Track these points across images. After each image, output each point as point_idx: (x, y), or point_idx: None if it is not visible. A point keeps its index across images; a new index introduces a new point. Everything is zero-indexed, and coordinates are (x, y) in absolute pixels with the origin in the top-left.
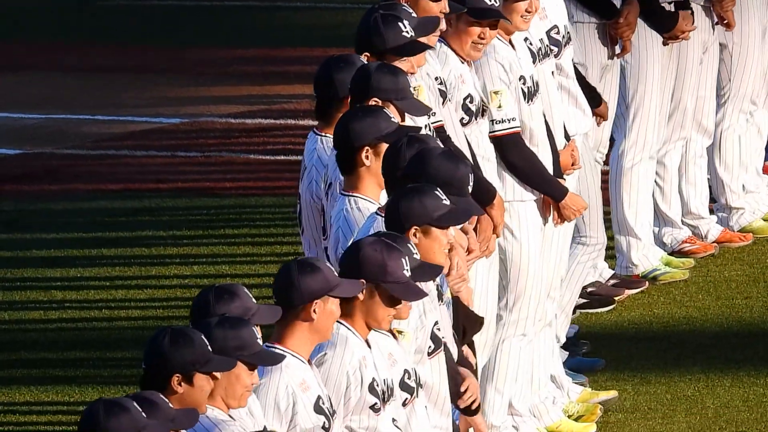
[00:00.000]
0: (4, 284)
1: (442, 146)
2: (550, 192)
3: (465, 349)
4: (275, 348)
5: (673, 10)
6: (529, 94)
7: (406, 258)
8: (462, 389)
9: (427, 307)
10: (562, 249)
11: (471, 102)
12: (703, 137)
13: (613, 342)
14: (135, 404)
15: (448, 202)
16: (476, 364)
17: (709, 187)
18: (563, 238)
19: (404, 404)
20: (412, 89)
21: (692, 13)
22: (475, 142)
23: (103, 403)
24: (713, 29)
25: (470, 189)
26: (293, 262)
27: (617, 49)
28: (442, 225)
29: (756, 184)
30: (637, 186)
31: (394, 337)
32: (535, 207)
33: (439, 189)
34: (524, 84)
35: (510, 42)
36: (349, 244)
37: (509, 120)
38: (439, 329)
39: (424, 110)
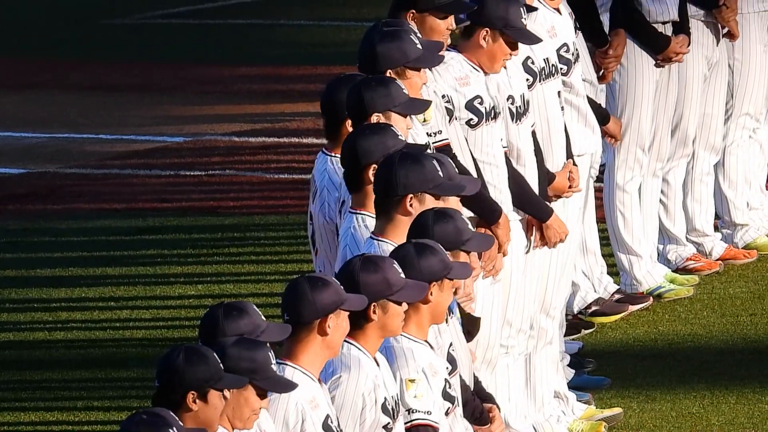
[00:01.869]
0: (8, 304)
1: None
2: (534, 213)
3: (471, 350)
4: (286, 365)
5: (671, 31)
6: (518, 114)
7: (395, 263)
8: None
9: (441, 327)
10: (561, 268)
11: (480, 103)
12: (711, 154)
13: (618, 359)
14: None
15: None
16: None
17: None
18: (563, 258)
19: (447, 413)
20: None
21: (690, 35)
22: (487, 146)
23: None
24: (717, 45)
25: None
26: (303, 278)
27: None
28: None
29: (760, 200)
30: (630, 204)
31: (431, 347)
32: (519, 227)
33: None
34: (512, 104)
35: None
36: (341, 271)
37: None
38: (454, 350)
39: (425, 105)
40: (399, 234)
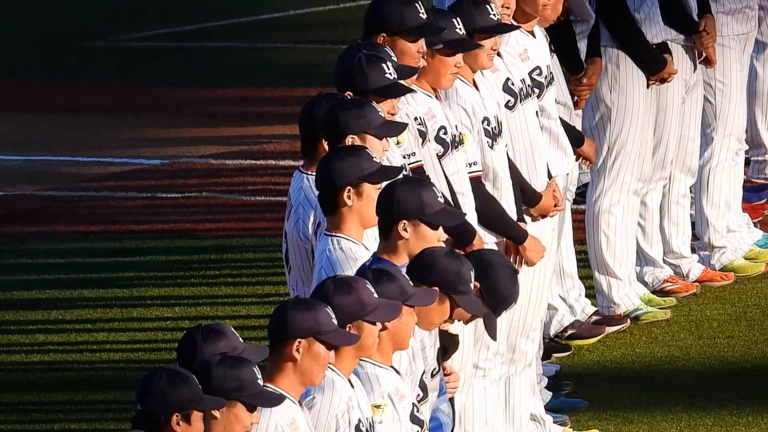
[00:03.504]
0: None
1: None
2: (510, 235)
3: (447, 364)
4: (266, 387)
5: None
6: (493, 136)
7: (368, 283)
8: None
9: (416, 354)
10: (540, 290)
11: (445, 134)
12: (687, 176)
13: (596, 381)
14: None
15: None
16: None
17: (692, 224)
18: (541, 279)
19: None
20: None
21: (671, 54)
22: (453, 174)
23: None
24: (695, 68)
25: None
26: (294, 298)
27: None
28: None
29: (738, 223)
30: (615, 226)
31: (398, 372)
32: (495, 247)
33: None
34: (488, 125)
35: (474, 82)
36: (314, 293)
37: (471, 164)
38: (426, 377)
39: (400, 128)
40: (398, 256)
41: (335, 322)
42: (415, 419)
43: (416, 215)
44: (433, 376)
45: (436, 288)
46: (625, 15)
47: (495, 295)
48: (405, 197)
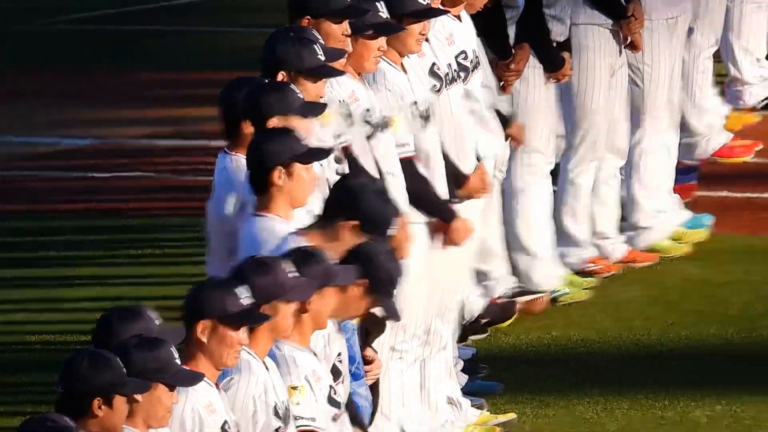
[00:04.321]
0: None
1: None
2: (440, 215)
3: (369, 351)
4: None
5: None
6: (424, 119)
7: (287, 263)
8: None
9: (331, 337)
10: (458, 272)
11: (370, 116)
12: (616, 158)
13: (512, 365)
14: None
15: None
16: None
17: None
18: (460, 261)
19: (334, 419)
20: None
21: (570, 54)
22: (382, 156)
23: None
24: (620, 52)
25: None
26: (207, 279)
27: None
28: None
29: (666, 203)
30: (530, 206)
31: (315, 355)
32: (424, 229)
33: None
34: (417, 109)
35: (402, 66)
36: (232, 273)
37: (402, 145)
38: (341, 361)
39: (321, 108)
40: (278, 207)
41: (245, 302)
42: (332, 401)
43: (289, 159)
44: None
45: (366, 281)
46: (535, 11)
47: (382, 281)
48: (273, 147)
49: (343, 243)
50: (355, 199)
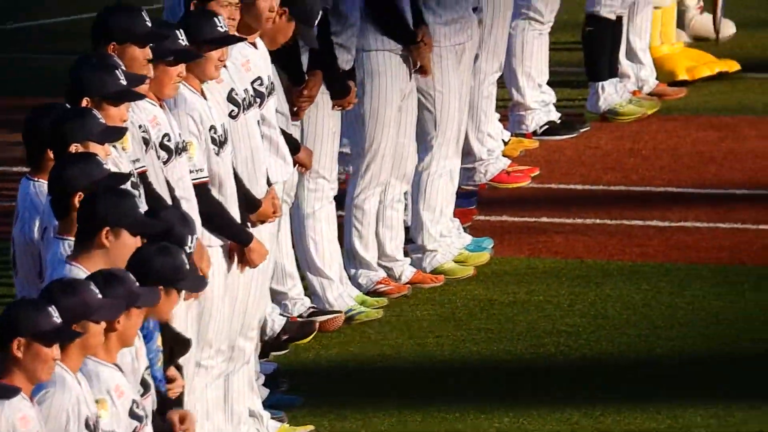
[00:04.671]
0: None
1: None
2: (236, 238)
3: (171, 370)
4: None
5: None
6: (220, 143)
7: (93, 285)
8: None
9: (139, 353)
10: (259, 291)
11: (168, 141)
12: (402, 183)
13: (311, 379)
14: None
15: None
16: (183, 387)
17: (406, 229)
18: (261, 280)
19: (135, 431)
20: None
21: (355, 82)
22: (178, 181)
23: None
24: (410, 77)
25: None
26: (18, 299)
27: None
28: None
29: (449, 228)
30: (321, 231)
31: (121, 370)
32: (221, 252)
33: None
34: (215, 133)
35: (201, 92)
36: (41, 294)
37: (198, 170)
38: (148, 374)
39: (120, 133)
40: (93, 263)
41: (57, 321)
42: (134, 415)
43: (119, 224)
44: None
45: (160, 286)
46: (325, 39)
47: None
48: (108, 206)
49: (114, 252)
50: (97, 206)
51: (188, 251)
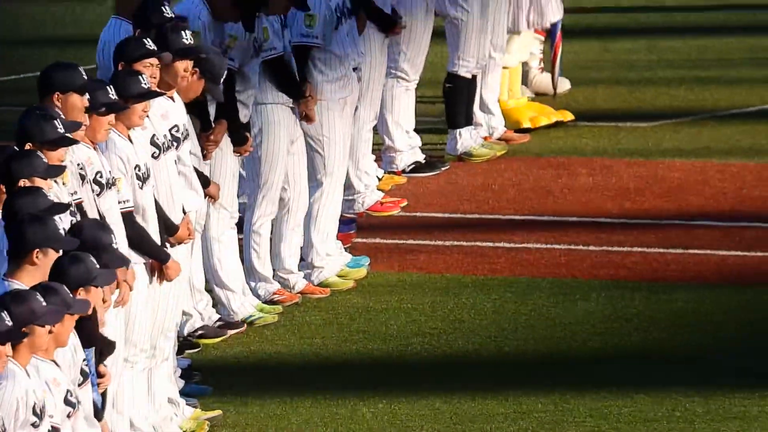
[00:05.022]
0: None
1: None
2: (157, 257)
3: (102, 367)
4: None
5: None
6: (143, 179)
7: (38, 295)
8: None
9: (77, 347)
10: (176, 299)
11: (101, 177)
12: (299, 212)
13: (219, 372)
14: None
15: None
16: (110, 377)
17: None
18: (176, 292)
19: (69, 416)
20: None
21: (250, 133)
22: (107, 210)
23: None
24: (298, 125)
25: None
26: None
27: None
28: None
29: (333, 248)
30: (226, 252)
31: (57, 365)
32: (143, 268)
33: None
34: (139, 171)
35: (129, 137)
36: None
37: (125, 201)
38: (87, 364)
39: (60, 170)
40: (27, 278)
41: (8, 324)
42: (68, 402)
43: (46, 245)
44: (84, 376)
45: (87, 298)
46: (229, 95)
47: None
48: (36, 231)
49: (43, 267)
50: (26, 232)
51: (114, 247)
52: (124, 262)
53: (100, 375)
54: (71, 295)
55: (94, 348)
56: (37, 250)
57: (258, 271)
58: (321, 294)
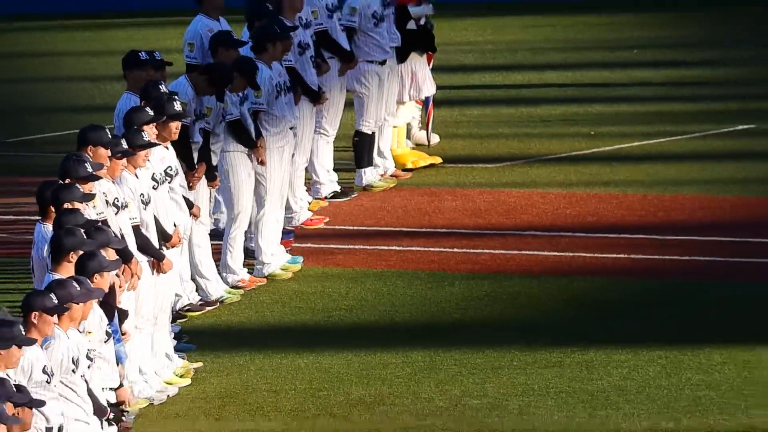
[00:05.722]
0: None
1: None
2: (156, 257)
3: (123, 327)
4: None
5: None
6: (146, 203)
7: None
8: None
9: (102, 317)
10: (170, 286)
11: (117, 201)
12: (243, 223)
13: (200, 335)
14: None
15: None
16: (130, 335)
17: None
18: (170, 280)
19: (88, 367)
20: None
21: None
22: (123, 225)
23: None
24: (253, 166)
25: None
26: (34, 290)
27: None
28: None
29: (277, 250)
30: (203, 253)
31: (80, 332)
32: (147, 264)
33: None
34: (143, 197)
35: (135, 174)
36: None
37: (134, 218)
38: (110, 328)
39: (91, 197)
40: (65, 271)
41: (54, 302)
42: (88, 357)
43: (77, 248)
44: (108, 336)
45: (101, 287)
46: (206, 145)
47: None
48: (71, 240)
49: (73, 264)
50: (64, 240)
51: (119, 241)
52: (118, 263)
53: (123, 334)
54: (91, 285)
55: (118, 317)
56: (72, 252)
57: (230, 266)
58: (266, 282)
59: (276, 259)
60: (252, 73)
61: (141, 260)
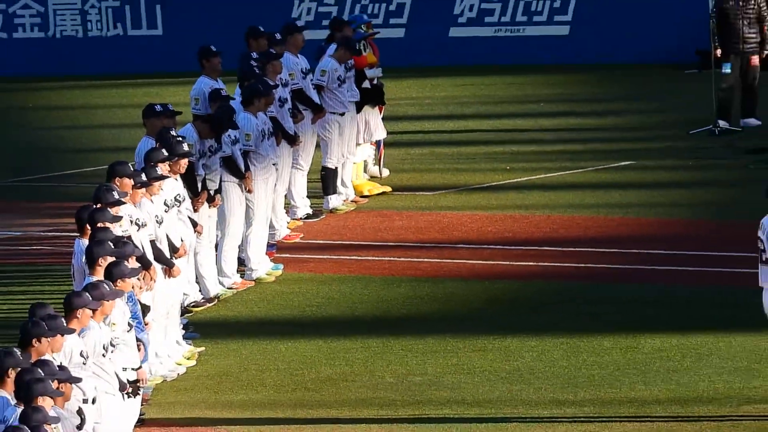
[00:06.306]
0: None
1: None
2: (167, 264)
3: (146, 318)
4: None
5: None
6: (159, 223)
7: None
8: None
9: (125, 310)
10: (179, 287)
11: (138, 222)
12: (234, 239)
13: (203, 326)
14: None
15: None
16: (151, 325)
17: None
18: (178, 283)
19: (112, 352)
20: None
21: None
22: (142, 240)
23: None
24: (243, 194)
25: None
26: (73, 291)
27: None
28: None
29: (262, 260)
30: (205, 260)
31: (105, 325)
32: (161, 270)
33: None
34: (157, 218)
35: (151, 200)
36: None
37: (150, 234)
38: (133, 319)
39: (119, 219)
40: (97, 274)
41: (89, 300)
42: (111, 343)
43: (106, 254)
44: (130, 326)
45: (123, 288)
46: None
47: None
48: (100, 248)
49: (103, 269)
50: (95, 248)
51: (139, 252)
52: (138, 270)
53: (145, 324)
54: (114, 287)
55: (141, 311)
56: (101, 258)
57: (224, 271)
58: (250, 285)
59: (262, 266)
60: (229, 117)
61: (156, 267)
